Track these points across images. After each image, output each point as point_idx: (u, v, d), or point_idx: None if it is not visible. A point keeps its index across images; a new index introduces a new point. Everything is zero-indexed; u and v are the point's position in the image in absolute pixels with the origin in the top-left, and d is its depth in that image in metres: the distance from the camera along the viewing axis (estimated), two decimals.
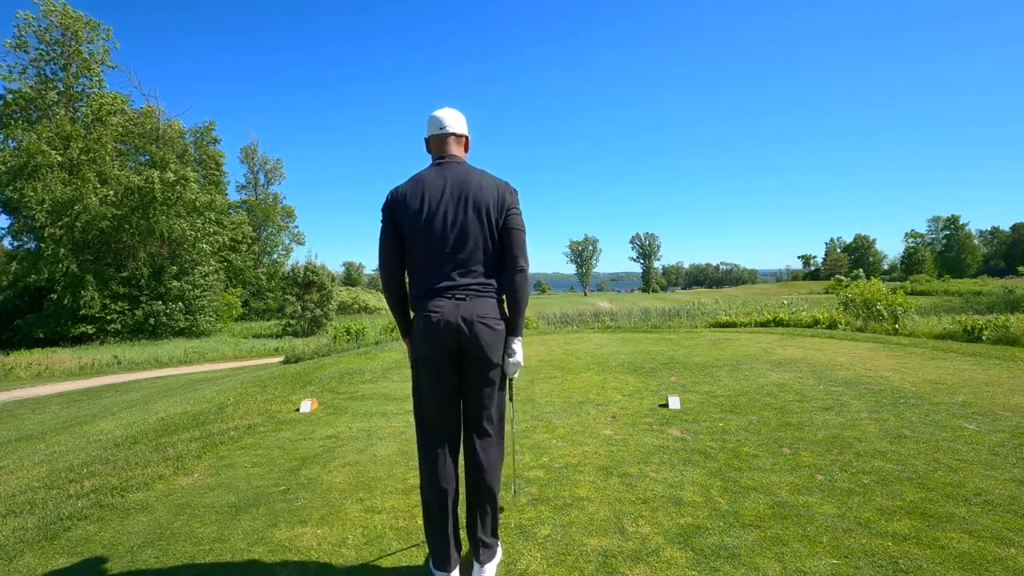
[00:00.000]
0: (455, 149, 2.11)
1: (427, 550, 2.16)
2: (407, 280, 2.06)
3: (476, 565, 2.01)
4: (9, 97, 26.94)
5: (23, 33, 26.10)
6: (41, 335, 25.72)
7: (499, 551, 2.13)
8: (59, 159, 24.95)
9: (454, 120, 2.10)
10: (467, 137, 2.17)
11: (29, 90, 26.91)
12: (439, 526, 1.96)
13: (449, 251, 1.94)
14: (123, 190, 26.73)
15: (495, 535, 2.06)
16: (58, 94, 27.41)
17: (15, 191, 24.29)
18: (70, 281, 25.70)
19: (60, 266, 24.95)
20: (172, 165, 28.35)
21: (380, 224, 2.03)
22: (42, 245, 24.88)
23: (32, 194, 24.15)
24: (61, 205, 24.84)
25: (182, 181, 27.69)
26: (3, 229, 28.09)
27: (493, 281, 2.01)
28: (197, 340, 27.44)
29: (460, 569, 2.02)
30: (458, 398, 2.03)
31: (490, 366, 1.96)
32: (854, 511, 2.43)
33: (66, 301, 25.64)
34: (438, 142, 2.10)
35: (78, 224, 25.18)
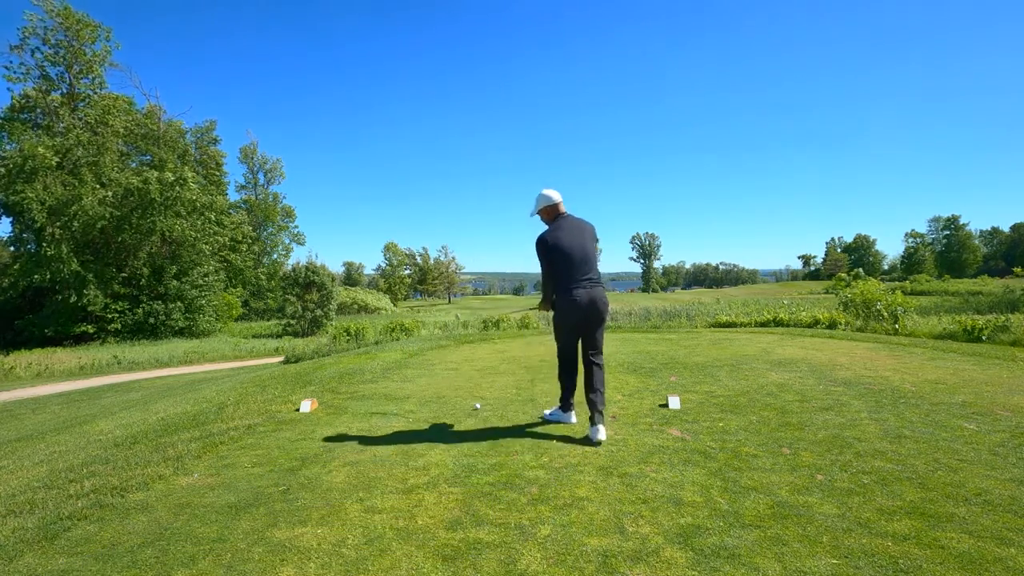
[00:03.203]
0: (563, 209, 3.87)
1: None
2: (556, 281, 3.73)
3: (592, 427, 3.58)
4: (16, 98, 27.00)
5: (27, 35, 26.16)
6: (49, 333, 25.79)
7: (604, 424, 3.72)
8: (57, 161, 24.96)
9: (557, 195, 3.85)
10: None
11: (33, 92, 26.96)
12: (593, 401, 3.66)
13: (579, 263, 3.67)
14: (122, 191, 26.74)
15: (602, 412, 3.64)
16: (62, 95, 27.45)
17: (15, 193, 24.32)
18: (73, 280, 25.71)
19: (62, 266, 24.96)
20: (170, 165, 28.35)
21: (543, 251, 3.71)
22: (44, 245, 24.90)
23: (32, 195, 24.17)
24: (61, 205, 24.85)
25: (180, 181, 27.69)
26: (9, 234, 28.26)
27: (598, 276, 3.77)
28: (197, 340, 27.46)
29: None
30: (579, 340, 3.84)
31: (602, 323, 3.79)
32: (854, 511, 2.43)
33: (72, 300, 25.67)
34: (553, 209, 3.85)
35: (76, 224, 25.18)
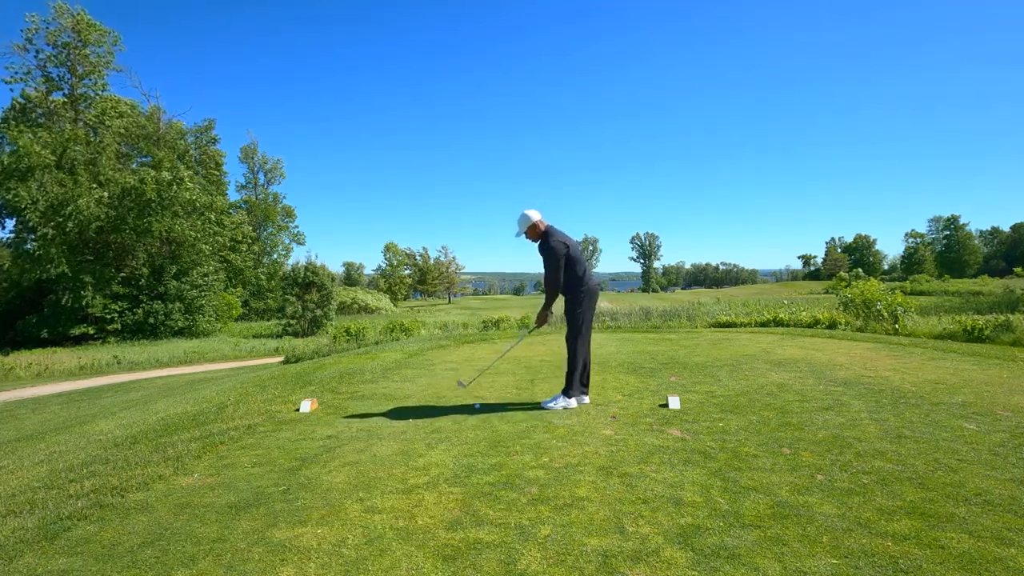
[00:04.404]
0: (544, 224, 4.50)
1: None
2: (572, 280, 4.43)
3: (586, 394, 4.65)
4: (18, 100, 27.03)
5: (32, 36, 26.15)
6: (45, 335, 25.75)
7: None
8: (53, 160, 24.93)
9: (538, 213, 4.46)
10: None
11: (35, 92, 26.97)
12: (586, 374, 4.59)
13: (585, 263, 4.47)
14: (119, 191, 26.73)
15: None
16: (64, 96, 27.47)
17: (9, 192, 24.29)
18: (68, 282, 25.68)
19: (53, 266, 24.90)
20: (166, 163, 28.32)
21: (563, 255, 4.33)
22: (36, 245, 24.91)
23: (25, 194, 24.14)
24: (56, 205, 24.83)
25: (177, 181, 27.66)
26: (9, 234, 28.25)
27: None
28: (197, 340, 27.45)
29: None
30: None
31: None
32: (854, 511, 2.43)
33: (65, 302, 25.63)
34: (539, 226, 4.44)
35: (70, 224, 25.14)
